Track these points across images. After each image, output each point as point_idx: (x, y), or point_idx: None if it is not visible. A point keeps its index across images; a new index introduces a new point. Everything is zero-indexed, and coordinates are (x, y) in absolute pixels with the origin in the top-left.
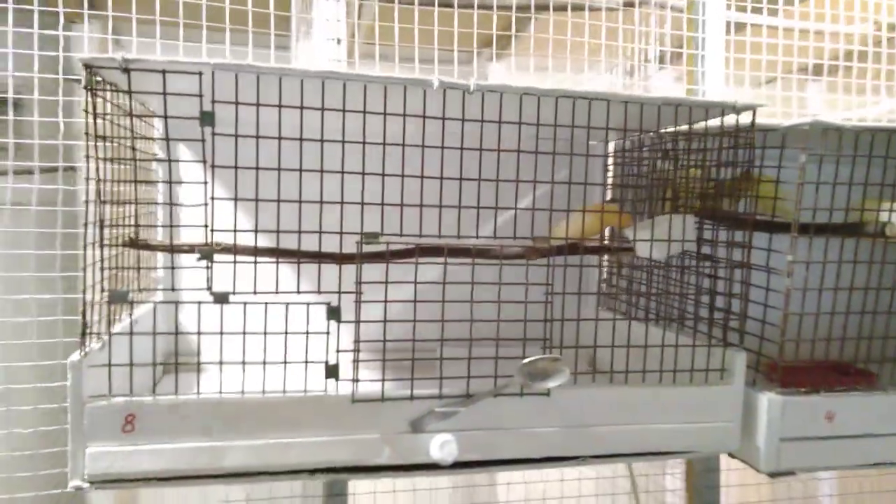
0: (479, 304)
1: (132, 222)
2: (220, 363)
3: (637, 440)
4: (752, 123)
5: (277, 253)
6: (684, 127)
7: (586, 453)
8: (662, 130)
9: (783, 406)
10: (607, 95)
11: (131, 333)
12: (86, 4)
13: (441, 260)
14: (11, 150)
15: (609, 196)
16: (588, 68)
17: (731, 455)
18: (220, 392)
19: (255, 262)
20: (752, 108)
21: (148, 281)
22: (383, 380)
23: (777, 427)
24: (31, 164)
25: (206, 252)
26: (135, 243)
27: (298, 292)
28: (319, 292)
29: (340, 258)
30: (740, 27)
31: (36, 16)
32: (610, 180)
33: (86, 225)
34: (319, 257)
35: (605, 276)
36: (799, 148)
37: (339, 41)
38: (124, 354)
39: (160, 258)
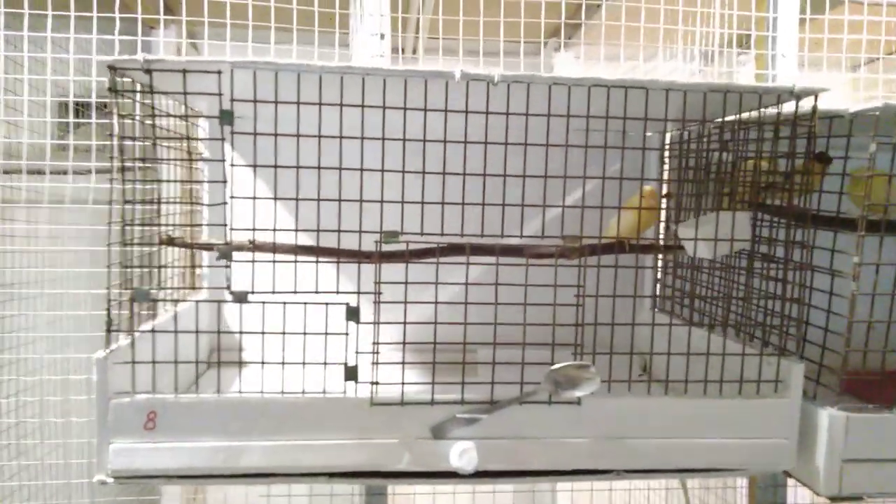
0: (508, 305)
1: (170, 221)
2: (245, 361)
3: (677, 455)
4: (814, 110)
5: (296, 250)
6: (746, 115)
7: (619, 467)
8: (718, 120)
9: (846, 423)
10: (645, 83)
11: (153, 331)
12: (162, 10)
13: (464, 260)
14: (94, 151)
15: (664, 190)
16: (662, 56)
17: (787, 474)
18: (262, 391)
19: (273, 262)
20: (814, 93)
21: (192, 279)
22: (403, 383)
23: (839, 446)
24: (87, 164)
25: (225, 251)
26: (171, 241)
27: (317, 292)
28: (338, 292)
29: (359, 257)
30: (818, 6)
31: (117, 22)
32: (666, 174)
33: (109, 224)
34: (338, 254)
35: (660, 276)
36: (869, 136)
37: (382, 36)
38: (162, 351)
39: (205, 257)
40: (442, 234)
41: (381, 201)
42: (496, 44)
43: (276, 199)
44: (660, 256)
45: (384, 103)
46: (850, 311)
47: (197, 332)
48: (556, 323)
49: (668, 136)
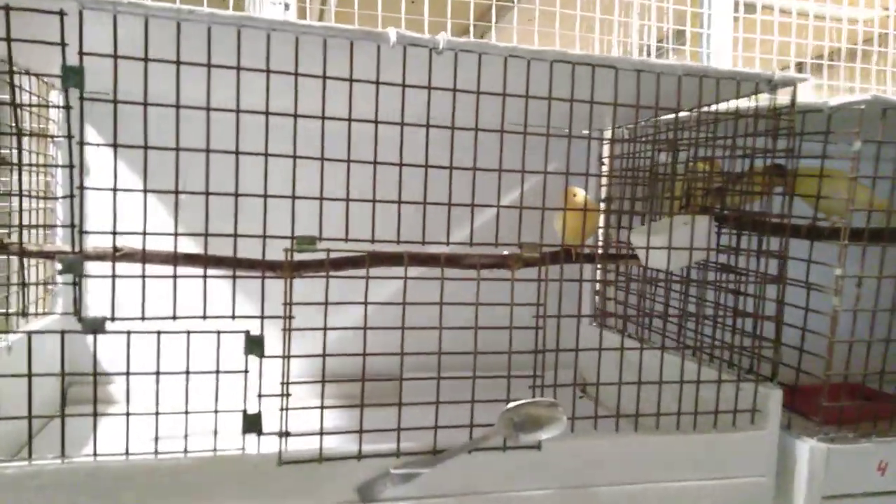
0: (451, 330)
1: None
2: (102, 413)
3: (649, 502)
4: (793, 102)
5: (177, 260)
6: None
7: None
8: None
9: (828, 456)
10: (615, 62)
11: None
12: None
13: (399, 272)
14: None
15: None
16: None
17: None
18: (126, 452)
19: (143, 277)
20: (793, 83)
21: (46, 299)
22: (322, 433)
23: (820, 482)
24: None
25: (71, 262)
26: (2, 247)
27: (205, 317)
28: (234, 317)
29: (262, 268)
30: (750, 7)
31: None
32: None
33: None
34: (234, 265)
35: (598, 288)
36: (852, 133)
37: (286, 6)
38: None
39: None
40: (373, 242)
41: (293, 197)
42: (419, 24)
43: (145, 191)
44: (600, 267)
45: (296, 69)
46: (832, 330)
47: (30, 375)
48: (512, 350)
49: (606, 132)
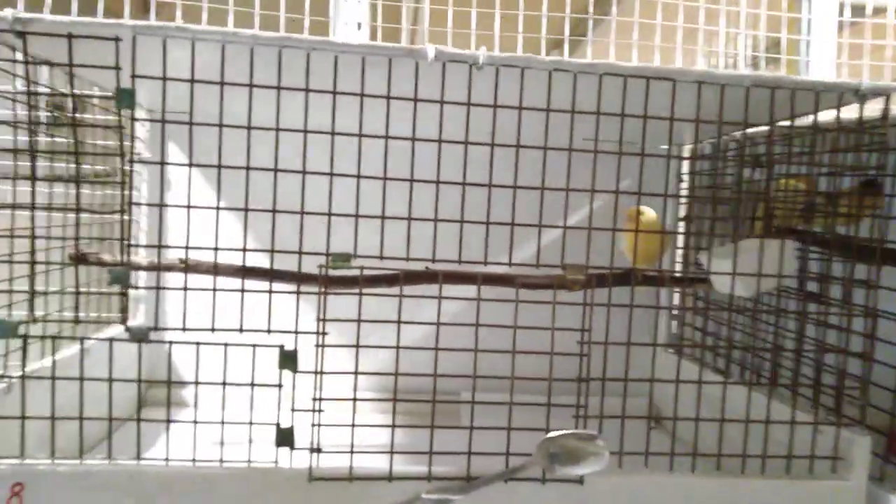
0: (491, 353)
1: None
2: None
3: None
4: (885, 114)
5: (243, 273)
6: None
7: None
8: (755, 128)
9: None
10: (672, 73)
11: (23, 377)
12: None
13: (434, 292)
14: None
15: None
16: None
17: None
18: (167, 458)
19: (185, 289)
20: (886, 93)
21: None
22: (352, 451)
23: None
24: None
25: (118, 275)
26: (83, 258)
27: (241, 330)
28: (269, 331)
29: (298, 280)
30: (858, 10)
31: None
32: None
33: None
34: (270, 278)
35: (676, 314)
36: None
37: (359, 26)
38: (51, 402)
39: (142, 279)
40: (407, 259)
41: (329, 214)
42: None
43: (218, 208)
44: (677, 292)
45: (334, 88)
46: None
47: (81, 378)
48: (552, 378)
49: (685, 148)
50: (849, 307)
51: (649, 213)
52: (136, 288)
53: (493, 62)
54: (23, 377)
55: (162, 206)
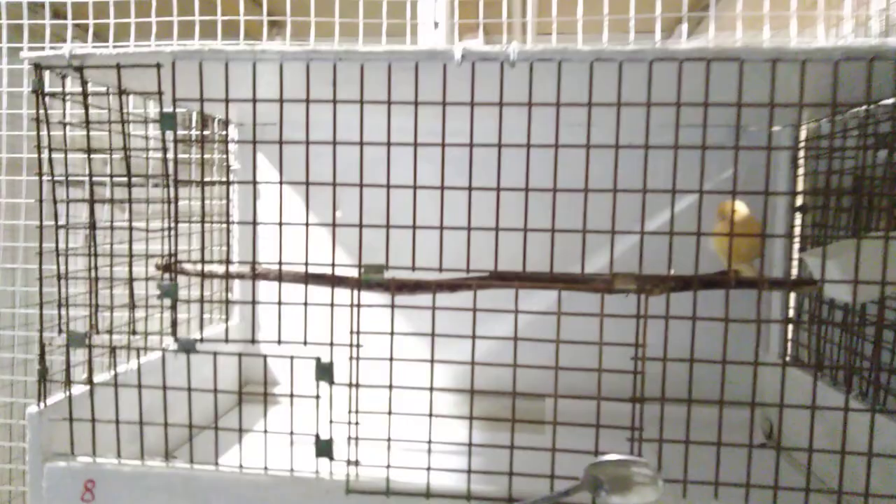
0: (534, 369)
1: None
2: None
3: None
4: None
5: (307, 279)
6: None
7: None
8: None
9: None
10: (738, 53)
11: (91, 383)
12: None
13: (467, 300)
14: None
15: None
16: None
17: None
18: (216, 463)
19: (227, 302)
20: None
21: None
22: (388, 466)
23: None
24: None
25: (166, 289)
26: (169, 268)
27: (280, 342)
28: (305, 343)
29: (334, 285)
30: None
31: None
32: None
33: (40, 253)
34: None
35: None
36: None
37: (436, 25)
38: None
39: (237, 288)
40: (440, 270)
41: (360, 225)
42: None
43: (307, 224)
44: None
45: (361, 96)
46: None
47: (140, 385)
48: (601, 397)
49: (803, 129)
50: None
51: (742, 210)
52: (187, 302)
53: (526, 57)
54: (91, 382)
55: (281, 224)
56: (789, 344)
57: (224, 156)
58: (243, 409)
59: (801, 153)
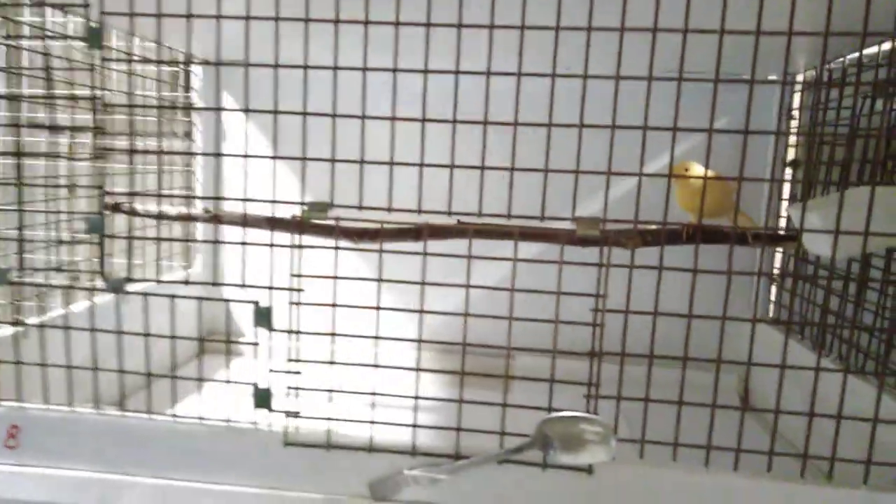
0: (479, 318)
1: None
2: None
3: None
4: None
5: (272, 224)
6: None
7: None
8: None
9: None
10: None
11: (16, 324)
12: None
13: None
14: None
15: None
16: None
17: None
18: (149, 411)
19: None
20: None
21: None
22: (330, 419)
23: None
24: None
25: (93, 223)
26: (116, 207)
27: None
28: (243, 286)
29: (272, 226)
30: None
31: None
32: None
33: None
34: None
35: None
36: None
37: None
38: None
39: (199, 230)
40: (360, 208)
41: (333, 160)
42: None
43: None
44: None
45: (366, 18)
46: None
47: (67, 327)
48: (557, 350)
49: (800, 76)
50: None
51: (696, 169)
52: (113, 237)
53: None
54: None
55: (247, 156)
56: (771, 306)
57: (186, 94)
58: (205, 359)
59: (796, 103)
